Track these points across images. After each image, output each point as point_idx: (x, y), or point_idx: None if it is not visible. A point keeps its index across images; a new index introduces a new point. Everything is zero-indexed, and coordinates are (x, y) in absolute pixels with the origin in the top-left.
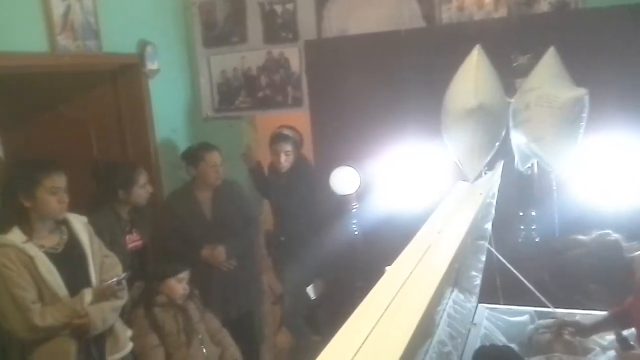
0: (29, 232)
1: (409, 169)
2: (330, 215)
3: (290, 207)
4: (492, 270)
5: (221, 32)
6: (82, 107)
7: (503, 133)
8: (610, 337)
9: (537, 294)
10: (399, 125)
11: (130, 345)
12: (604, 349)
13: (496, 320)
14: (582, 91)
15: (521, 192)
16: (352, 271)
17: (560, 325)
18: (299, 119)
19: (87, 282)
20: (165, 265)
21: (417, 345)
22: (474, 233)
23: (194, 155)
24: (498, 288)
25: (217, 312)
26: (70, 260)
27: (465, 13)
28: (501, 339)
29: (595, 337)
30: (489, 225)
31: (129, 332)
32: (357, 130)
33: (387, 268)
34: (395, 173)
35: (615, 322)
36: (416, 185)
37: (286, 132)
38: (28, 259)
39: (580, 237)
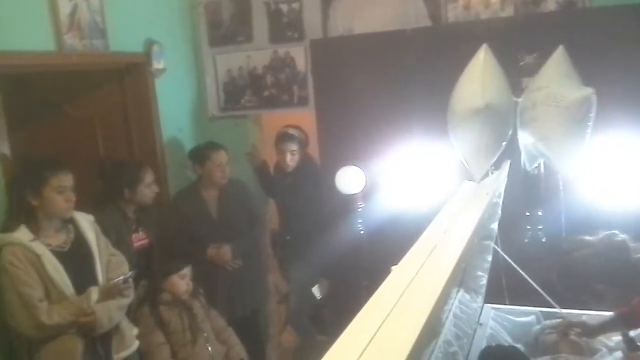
0: (36, 230)
1: (415, 169)
2: (336, 215)
3: (295, 206)
4: (498, 271)
5: (227, 32)
6: (89, 106)
7: (510, 133)
8: (616, 337)
9: (544, 294)
10: (405, 124)
11: (136, 344)
12: (611, 349)
13: (502, 321)
14: (589, 91)
15: (528, 192)
16: (358, 271)
17: (567, 326)
18: (304, 118)
19: (93, 281)
20: (167, 263)
21: (423, 345)
22: (480, 233)
23: (200, 154)
24: (504, 288)
25: (222, 311)
26: (77, 259)
27: (472, 12)
28: (507, 339)
29: (601, 338)
30: (495, 225)
31: (135, 330)
32: (362, 129)
33: (393, 267)
34: (401, 172)
35: (622, 323)
36: (422, 185)
37: (292, 131)
38: (35, 257)
39: (587, 237)
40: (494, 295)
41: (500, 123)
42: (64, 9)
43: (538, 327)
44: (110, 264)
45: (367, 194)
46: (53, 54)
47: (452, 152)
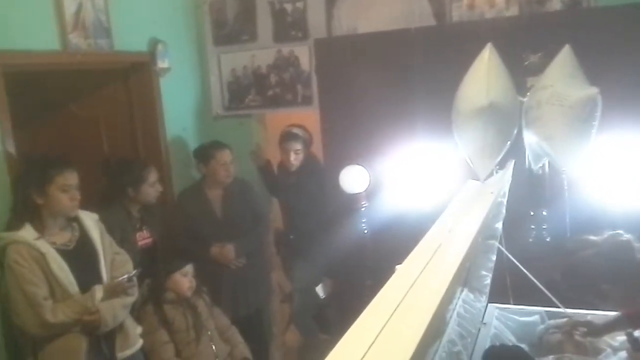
0: (41, 229)
1: (419, 168)
2: (340, 214)
3: (299, 205)
4: (502, 270)
5: (231, 31)
6: (94, 105)
7: (515, 132)
8: (621, 337)
9: (548, 293)
10: (409, 123)
11: (140, 342)
12: (615, 349)
13: (506, 320)
14: (594, 90)
15: (532, 191)
16: (362, 270)
17: (573, 325)
18: (308, 117)
19: (98, 279)
20: (169, 261)
21: (427, 345)
22: (484, 232)
23: (204, 153)
24: (508, 288)
25: (226, 310)
26: (81, 257)
27: (476, 11)
28: (511, 339)
29: (606, 338)
30: (499, 225)
31: (139, 329)
32: (366, 128)
33: (398, 267)
34: (405, 172)
35: (628, 323)
36: (426, 184)
37: (296, 130)
38: (40, 255)
39: (592, 237)
40: (498, 294)
41: (504, 122)
42: (69, 8)
43: (542, 326)
44: (114, 262)
45: (371, 193)
46: (58, 53)
47: (456, 151)
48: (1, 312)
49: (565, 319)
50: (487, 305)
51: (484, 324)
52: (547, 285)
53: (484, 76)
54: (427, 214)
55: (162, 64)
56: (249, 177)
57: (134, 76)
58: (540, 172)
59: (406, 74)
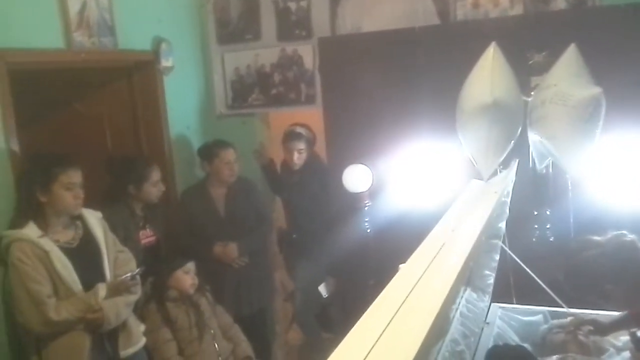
0: (44, 227)
1: (422, 167)
2: (343, 213)
3: (302, 204)
4: (505, 270)
5: (235, 30)
6: (97, 103)
7: (519, 131)
8: (624, 337)
9: (551, 293)
10: (413, 122)
11: (143, 340)
12: (619, 349)
13: (509, 320)
14: (597, 90)
15: (536, 191)
16: (365, 269)
17: (578, 324)
18: (312, 116)
19: (101, 277)
20: (171, 259)
21: (430, 344)
22: (488, 232)
23: (208, 152)
24: (511, 287)
25: (229, 309)
26: (85, 255)
27: (481, 10)
28: (514, 339)
29: (609, 338)
30: (503, 224)
31: (142, 327)
32: (370, 127)
33: (401, 266)
34: (408, 171)
35: (633, 322)
36: (430, 183)
37: (299, 129)
38: (43, 253)
39: (596, 237)
40: (501, 294)
41: (508, 121)
42: (73, 6)
43: (545, 326)
44: (117, 260)
45: (374, 192)
46: (62, 51)
47: (460, 150)
48: (5, 310)
49: (568, 319)
50: (490, 304)
51: (487, 323)
52: (550, 285)
53: (488, 75)
54: (430, 213)
55: (166, 62)
56: (252, 176)
57: (138, 75)
58: (544, 171)
59: (410, 73)
